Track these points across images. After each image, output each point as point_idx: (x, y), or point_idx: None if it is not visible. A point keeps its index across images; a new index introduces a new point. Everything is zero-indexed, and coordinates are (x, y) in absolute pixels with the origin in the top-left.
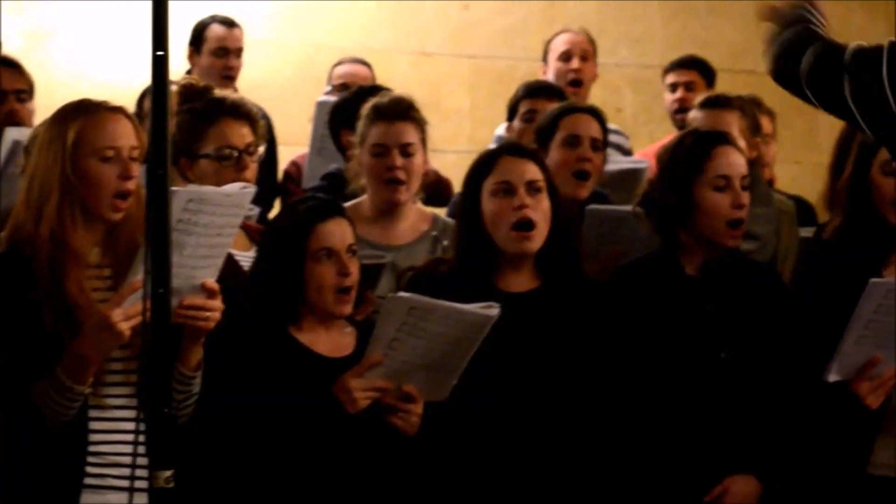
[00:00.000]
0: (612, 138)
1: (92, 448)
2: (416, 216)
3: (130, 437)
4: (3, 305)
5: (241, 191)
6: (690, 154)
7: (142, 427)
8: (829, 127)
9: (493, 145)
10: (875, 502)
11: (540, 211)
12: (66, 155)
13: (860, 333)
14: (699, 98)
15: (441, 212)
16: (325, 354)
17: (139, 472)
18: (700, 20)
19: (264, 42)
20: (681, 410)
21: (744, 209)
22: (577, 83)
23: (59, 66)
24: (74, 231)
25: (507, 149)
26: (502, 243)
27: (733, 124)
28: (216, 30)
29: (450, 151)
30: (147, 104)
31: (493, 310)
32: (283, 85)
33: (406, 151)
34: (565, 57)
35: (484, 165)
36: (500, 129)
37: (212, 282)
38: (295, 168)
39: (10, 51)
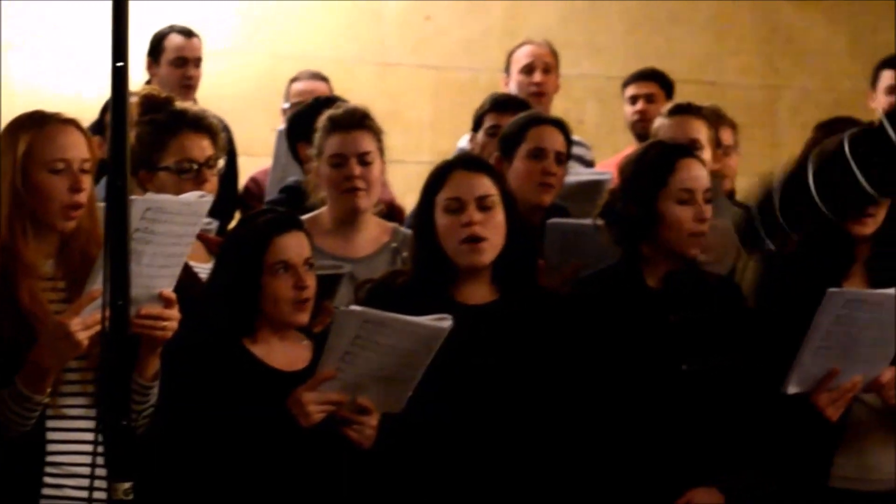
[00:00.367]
0: (574, 150)
1: (50, 458)
2: (376, 228)
3: (88, 448)
4: None
5: (198, 200)
6: (654, 167)
7: (100, 438)
8: (790, 139)
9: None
10: None
11: (491, 226)
12: (17, 167)
13: (819, 345)
14: (665, 107)
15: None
16: (280, 368)
17: (98, 484)
18: (662, 32)
19: (226, 52)
20: (643, 423)
21: (706, 222)
22: (540, 96)
23: (18, 79)
24: (26, 243)
25: (460, 162)
26: (453, 256)
27: (701, 132)
28: (175, 40)
29: (412, 162)
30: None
31: (446, 322)
32: (245, 95)
33: (364, 160)
34: (528, 70)
35: (437, 179)
36: (463, 141)
37: (169, 291)
38: (254, 184)
39: None
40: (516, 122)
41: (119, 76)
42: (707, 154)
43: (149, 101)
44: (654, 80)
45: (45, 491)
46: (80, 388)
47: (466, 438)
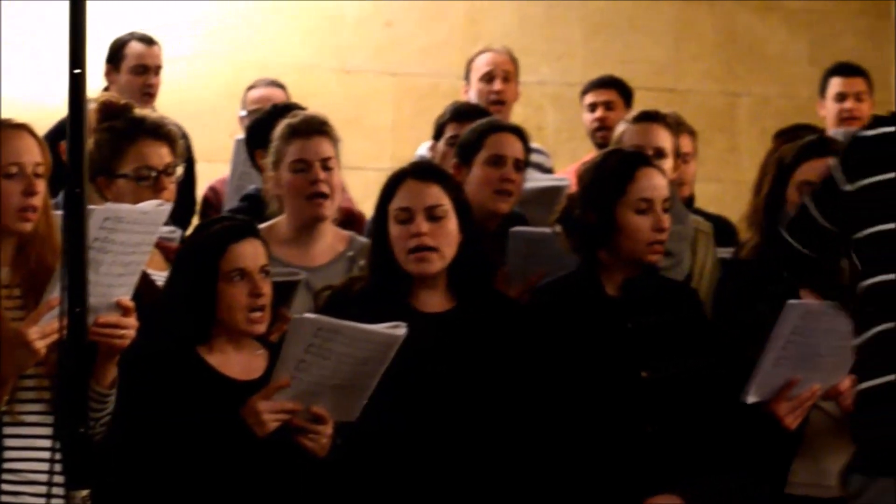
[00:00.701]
0: (534, 157)
1: (7, 465)
2: (333, 237)
3: (46, 455)
4: None
5: (156, 208)
6: (613, 175)
7: (58, 445)
8: (749, 146)
9: None
10: None
11: (441, 236)
12: None
13: (778, 354)
14: (630, 114)
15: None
16: (235, 377)
17: (55, 491)
18: (621, 38)
19: (185, 59)
20: (602, 430)
21: (665, 232)
22: (500, 104)
23: None
24: None
25: (412, 172)
26: (404, 266)
27: (666, 140)
28: (135, 47)
29: (372, 169)
30: None
31: (400, 329)
32: (204, 102)
33: (326, 165)
34: (487, 78)
35: (389, 189)
36: (423, 148)
37: (127, 299)
38: (213, 193)
39: None
40: (474, 129)
41: (76, 83)
42: (670, 162)
43: (107, 108)
44: (613, 88)
45: (3, 498)
46: (38, 395)
47: (423, 447)
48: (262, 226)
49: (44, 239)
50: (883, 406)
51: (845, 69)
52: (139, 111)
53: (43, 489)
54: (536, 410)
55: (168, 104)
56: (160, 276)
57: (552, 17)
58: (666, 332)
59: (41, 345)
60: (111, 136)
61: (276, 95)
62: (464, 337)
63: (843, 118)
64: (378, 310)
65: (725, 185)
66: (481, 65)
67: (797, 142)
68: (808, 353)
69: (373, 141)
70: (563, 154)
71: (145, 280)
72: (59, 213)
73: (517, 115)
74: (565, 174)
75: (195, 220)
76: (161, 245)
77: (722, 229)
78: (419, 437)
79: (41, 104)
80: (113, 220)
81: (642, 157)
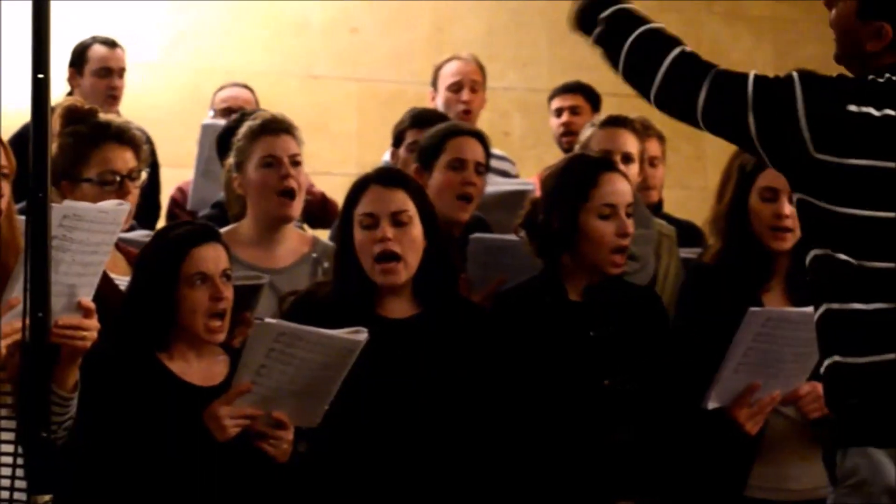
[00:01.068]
0: (500, 164)
1: None
2: (296, 239)
3: (8, 460)
4: None
5: (116, 207)
6: (576, 180)
7: (20, 450)
8: (715, 152)
9: None
10: None
11: (406, 242)
12: None
13: (739, 361)
14: (597, 118)
15: (325, 233)
16: (196, 383)
17: (17, 496)
18: (587, 44)
19: (150, 64)
20: (563, 437)
21: (628, 237)
22: (467, 113)
23: None
24: None
25: (376, 177)
26: (369, 273)
27: (633, 145)
28: (98, 50)
29: (338, 174)
30: None
31: (362, 335)
32: (170, 107)
33: (295, 161)
34: (455, 87)
35: (354, 194)
36: (388, 154)
37: (87, 300)
38: (181, 194)
39: None
40: (434, 133)
41: (40, 88)
42: (636, 167)
43: (71, 113)
44: (580, 93)
45: None
46: None
47: (389, 453)
48: (224, 229)
49: (7, 242)
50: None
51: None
52: (104, 116)
53: (4, 494)
54: (499, 417)
55: (133, 109)
56: (122, 281)
57: (518, 23)
58: (628, 340)
59: (1, 345)
60: (75, 140)
61: (244, 96)
62: (429, 343)
63: None
64: (343, 316)
65: (691, 191)
66: (449, 74)
67: None
68: (769, 359)
69: (338, 147)
70: (528, 160)
71: (108, 284)
72: (23, 217)
73: (483, 121)
74: (531, 181)
75: (161, 224)
76: (123, 250)
77: (689, 234)
78: (385, 444)
79: (5, 108)
80: (72, 218)
81: (606, 163)
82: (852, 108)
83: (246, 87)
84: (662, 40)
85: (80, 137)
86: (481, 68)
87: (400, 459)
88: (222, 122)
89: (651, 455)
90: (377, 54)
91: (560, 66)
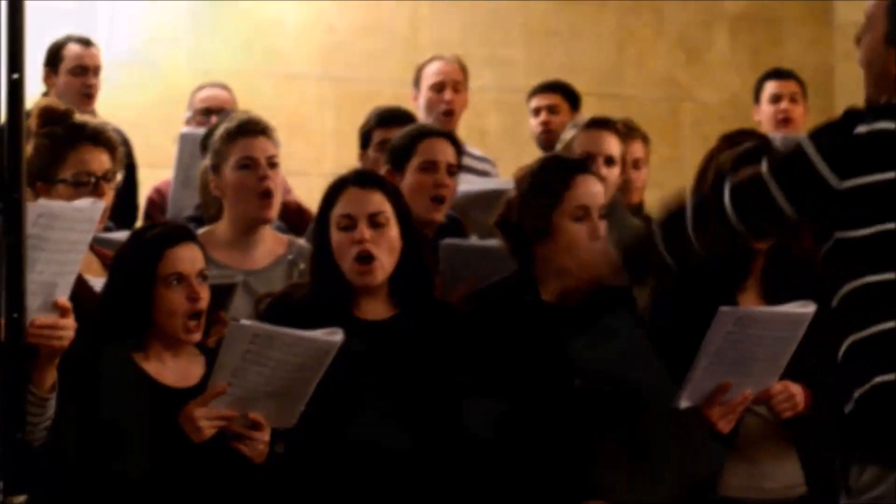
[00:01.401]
0: (480, 165)
1: None
2: (272, 240)
3: None
4: None
5: (91, 206)
6: (550, 182)
7: None
8: (692, 152)
9: None
10: None
11: (383, 243)
12: None
13: (711, 360)
14: (580, 119)
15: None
16: (172, 384)
17: None
18: (563, 44)
19: (126, 64)
20: (536, 438)
21: (601, 239)
22: (450, 114)
23: None
24: None
25: (353, 179)
26: (347, 274)
27: (616, 148)
28: (73, 48)
29: (314, 174)
30: None
31: (337, 336)
32: (146, 106)
33: (272, 162)
34: (438, 88)
35: (331, 195)
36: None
37: (64, 300)
38: (158, 195)
39: None
40: (405, 135)
41: (14, 88)
42: (617, 170)
43: (47, 114)
44: (558, 92)
45: None
46: None
47: (365, 454)
48: (200, 230)
49: None
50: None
51: (779, 73)
52: (80, 117)
53: None
54: (472, 418)
55: (109, 109)
56: (97, 283)
57: (495, 23)
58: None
59: None
60: (51, 141)
61: (222, 96)
62: (405, 344)
63: (779, 119)
64: (319, 317)
65: (668, 191)
66: (431, 75)
67: (735, 149)
68: (741, 358)
69: (314, 147)
70: (506, 160)
71: (82, 285)
72: None
73: (459, 120)
74: (509, 180)
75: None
76: (97, 251)
77: None
78: (361, 444)
79: None
80: (47, 216)
81: (580, 164)
82: (861, 129)
83: (224, 87)
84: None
85: (56, 138)
86: (463, 69)
87: (376, 460)
88: (200, 130)
89: (622, 454)
90: (354, 54)
91: (536, 65)
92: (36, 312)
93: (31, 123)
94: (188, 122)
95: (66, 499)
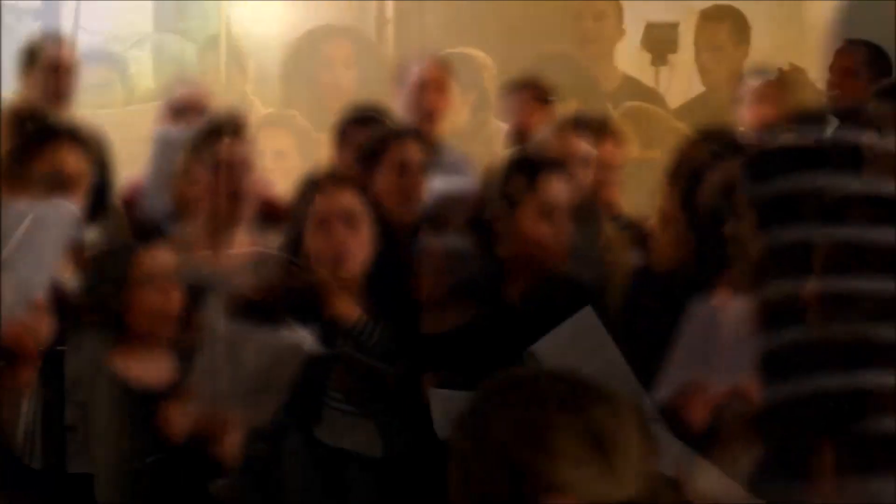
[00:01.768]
0: (454, 163)
1: None
2: (245, 241)
3: None
4: None
5: (67, 205)
6: (516, 181)
7: None
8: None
9: None
10: None
11: (357, 241)
12: None
13: (684, 355)
14: (553, 118)
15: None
16: (146, 384)
17: None
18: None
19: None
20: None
21: (567, 239)
22: (433, 113)
23: None
24: None
25: (327, 178)
26: (320, 272)
27: (588, 146)
28: (49, 48)
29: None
30: None
31: (308, 336)
32: (115, 105)
33: (245, 162)
34: (421, 88)
35: (305, 195)
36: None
37: (41, 299)
38: (132, 194)
39: None
40: (375, 136)
41: None
42: (591, 170)
43: (22, 113)
44: (530, 89)
45: None
46: None
47: (341, 456)
48: (174, 231)
49: None
50: None
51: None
52: (54, 116)
53: None
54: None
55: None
56: (71, 283)
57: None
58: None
59: None
60: (24, 140)
61: (196, 96)
62: (381, 345)
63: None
64: (292, 318)
65: (640, 191)
66: (415, 73)
67: (705, 146)
68: (714, 352)
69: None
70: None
71: (55, 286)
72: None
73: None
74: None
75: None
76: (71, 252)
77: (638, 233)
78: (332, 448)
79: None
80: (23, 216)
81: (547, 163)
82: None
83: (201, 85)
84: None
85: (30, 138)
86: (447, 68)
87: (352, 461)
88: (174, 129)
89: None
90: None
91: (510, 63)
92: (13, 312)
93: (5, 123)
94: (161, 121)
95: (43, 498)
